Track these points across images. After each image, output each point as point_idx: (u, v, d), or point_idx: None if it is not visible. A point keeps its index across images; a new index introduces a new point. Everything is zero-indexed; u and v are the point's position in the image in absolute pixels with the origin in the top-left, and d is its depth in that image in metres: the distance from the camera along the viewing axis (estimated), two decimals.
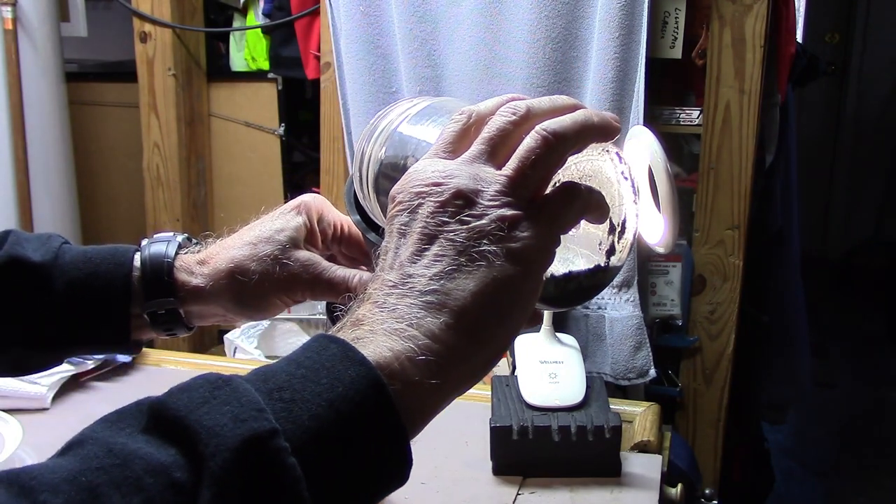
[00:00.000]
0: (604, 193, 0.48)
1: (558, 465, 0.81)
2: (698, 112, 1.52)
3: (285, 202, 0.66)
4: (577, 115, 0.46)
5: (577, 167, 0.48)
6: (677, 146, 1.59)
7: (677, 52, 1.49)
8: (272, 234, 0.62)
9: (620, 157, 0.49)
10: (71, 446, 0.35)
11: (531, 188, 0.44)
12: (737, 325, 1.55)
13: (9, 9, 1.79)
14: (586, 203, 0.46)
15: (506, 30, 1.50)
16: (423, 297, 0.40)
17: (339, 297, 0.61)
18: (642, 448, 0.87)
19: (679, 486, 0.87)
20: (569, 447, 0.80)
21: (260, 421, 0.34)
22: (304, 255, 0.62)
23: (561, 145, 0.44)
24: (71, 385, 1.03)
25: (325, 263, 0.62)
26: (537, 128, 0.44)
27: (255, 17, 1.88)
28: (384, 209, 0.49)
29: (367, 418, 0.37)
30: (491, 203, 0.42)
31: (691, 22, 1.49)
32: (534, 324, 0.48)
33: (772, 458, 2.09)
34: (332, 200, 0.67)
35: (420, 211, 0.42)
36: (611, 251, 0.50)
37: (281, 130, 1.90)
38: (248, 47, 1.90)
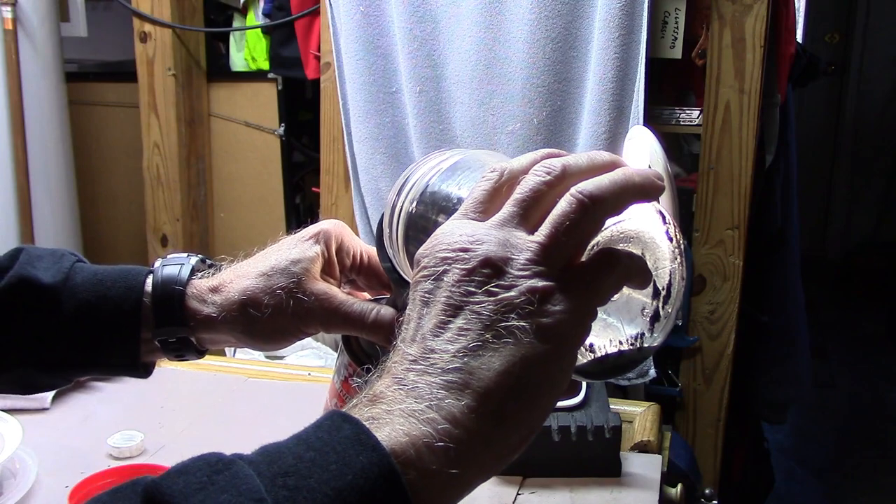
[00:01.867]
0: (647, 256, 0.44)
1: (558, 465, 0.81)
2: (698, 112, 1.52)
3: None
4: (616, 176, 0.42)
5: (618, 227, 0.44)
6: (677, 146, 1.59)
7: (677, 52, 1.49)
8: (287, 266, 0.59)
9: (664, 216, 0.44)
10: None
11: (565, 256, 0.40)
12: (737, 325, 1.55)
13: (9, 9, 1.79)
14: (627, 270, 0.42)
15: (506, 30, 1.50)
16: (444, 374, 0.37)
17: (355, 331, 0.59)
18: (642, 448, 0.87)
19: (679, 485, 0.87)
20: (569, 447, 0.80)
21: None
22: (319, 287, 0.59)
23: (599, 209, 0.40)
24: (71, 385, 1.03)
25: (341, 297, 0.59)
26: (572, 190, 0.40)
27: (255, 17, 1.88)
28: (412, 265, 0.44)
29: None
30: (521, 273, 0.39)
31: (691, 22, 1.49)
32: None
33: (772, 458, 2.09)
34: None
35: (445, 279, 0.39)
36: (655, 317, 0.45)
37: (281, 130, 1.90)
38: (248, 47, 1.90)
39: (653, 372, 1.49)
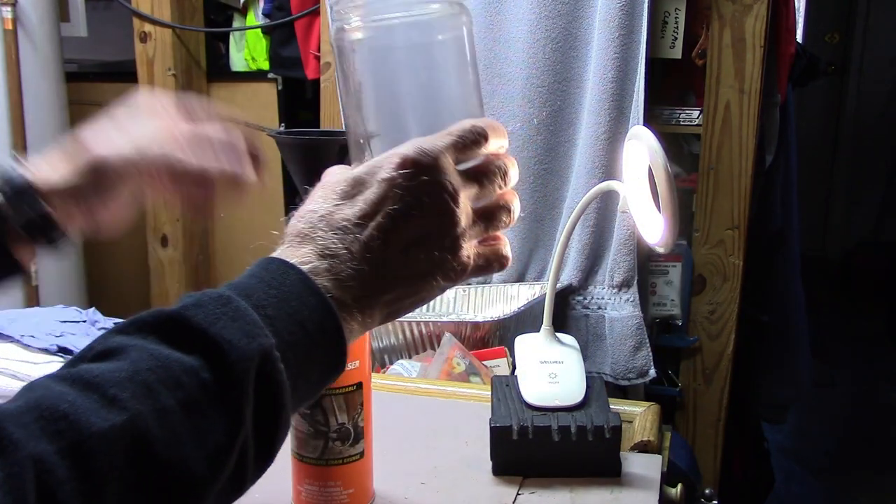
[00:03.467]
0: None
1: (558, 465, 0.81)
2: (698, 112, 1.52)
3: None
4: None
5: None
6: (677, 146, 1.59)
7: (677, 52, 1.49)
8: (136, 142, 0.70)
9: None
10: (112, 352, 0.41)
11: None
12: (737, 325, 1.55)
13: (9, 9, 1.79)
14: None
15: (506, 30, 1.50)
16: (367, 253, 0.49)
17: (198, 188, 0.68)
18: (642, 448, 0.87)
19: (679, 486, 0.87)
20: (569, 447, 0.80)
21: (264, 337, 0.44)
22: (159, 151, 0.68)
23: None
24: None
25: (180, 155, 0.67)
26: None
27: (255, 17, 1.88)
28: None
29: (324, 336, 0.47)
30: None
31: (691, 22, 1.49)
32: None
33: (772, 458, 2.09)
34: None
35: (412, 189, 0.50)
36: None
37: (281, 130, 1.90)
38: (248, 47, 1.90)
39: (653, 372, 1.49)
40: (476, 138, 0.53)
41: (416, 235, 0.50)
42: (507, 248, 0.56)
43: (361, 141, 0.56)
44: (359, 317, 0.50)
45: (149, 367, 0.40)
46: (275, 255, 0.50)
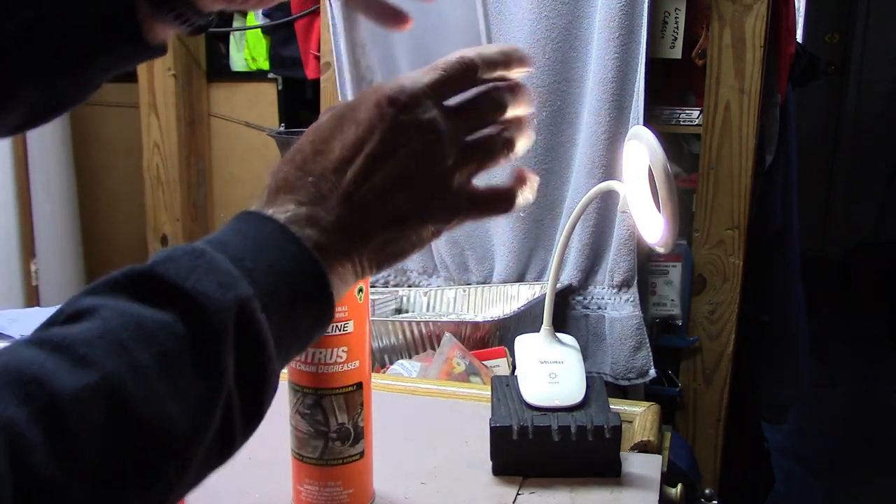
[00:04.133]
0: None
1: (558, 465, 0.81)
2: (698, 112, 1.52)
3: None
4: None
5: None
6: (677, 146, 1.59)
7: (677, 52, 1.49)
8: None
9: None
10: (83, 313, 0.40)
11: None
12: (737, 325, 1.55)
13: None
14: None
15: (506, 30, 1.50)
16: (347, 198, 0.48)
17: None
18: (642, 448, 0.87)
19: (679, 486, 0.87)
20: (569, 447, 0.80)
21: (241, 287, 0.42)
22: None
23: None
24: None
25: None
26: None
27: (255, 17, 1.88)
28: None
29: (307, 285, 0.46)
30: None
31: (691, 22, 1.49)
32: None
33: (772, 458, 2.09)
34: None
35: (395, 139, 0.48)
36: None
37: (281, 130, 1.90)
38: (248, 47, 1.90)
39: (653, 372, 1.49)
40: (463, 69, 0.51)
41: (396, 176, 0.48)
42: (514, 187, 0.53)
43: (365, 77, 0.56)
44: (347, 264, 0.48)
45: (121, 325, 0.39)
46: (252, 208, 0.48)
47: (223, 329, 0.41)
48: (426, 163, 0.49)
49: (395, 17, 0.60)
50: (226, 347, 0.41)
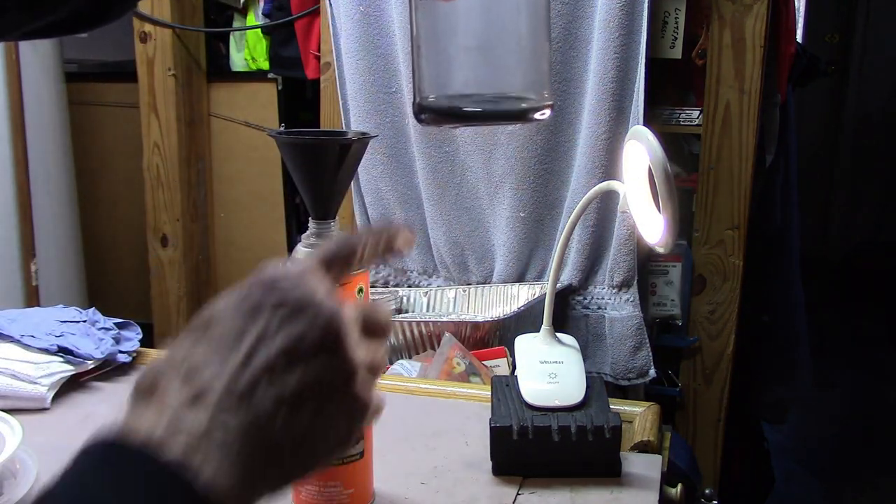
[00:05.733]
0: None
1: (558, 465, 0.81)
2: (698, 112, 1.52)
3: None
4: None
5: None
6: (677, 146, 1.59)
7: (677, 52, 1.49)
8: None
9: None
10: None
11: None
12: (737, 325, 1.55)
13: None
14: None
15: None
16: (256, 426, 0.39)
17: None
18: (642, 448, 0.87)
19: (679, 486, 0.87)
20: (569, 447, 0.80)
21: None
22: None
23: None
24: (71, 385, 1.03)
25: None
26: None
27: (255, 17, 1.88)
28: None
29: None
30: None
31: (691, 22, 1.49)
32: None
33: (772, 458, 2.09)
34: None
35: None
36: None
37: (281, 130, 1.90)
38: (248, 47, 1.90)
39: (653, 372, 1.49)
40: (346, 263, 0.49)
41: (301, 386, 0.41)
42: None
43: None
44: (246, 497, 0.39)
45: None
46: (125, 428, 0.38)
47: None
48: (332, 368, 0.43)
49: None
50: None
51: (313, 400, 0.41)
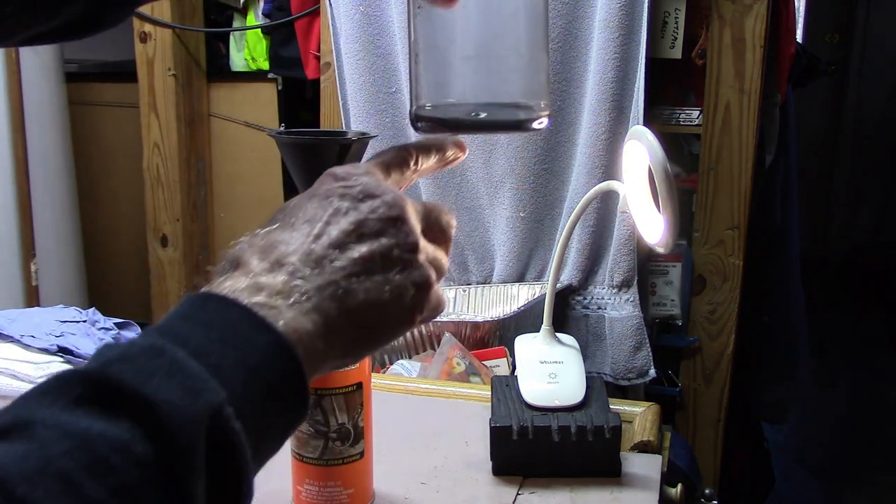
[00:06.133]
0: None
1: (558, 465, 0.81)
2: (698, 112, 1.52)
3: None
4: None
5: None
6: (677, 146, 1.59)
7: (677, 52, 1.49)
8: None
9: None
10: (10, 430, 0.32)
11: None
12: (737, 325, 1.55)
13: None
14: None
15: None
16: (330, 287, 0.44)
17: None
18: (642, 448, 0.87)
19: (679, 486, 0.87)
20: (569, 447, 0.80)
21: (211, 392, 0.36)
22: None
23: None
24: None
25: None
26: None
27: (255, 17, 1.88)
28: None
29: (284, 383, 0.40)
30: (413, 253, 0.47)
31: (691, 22, 1.49)
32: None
33: (772, 458, 2.09)
34: None
35: (362, 206, 0.46)
36: None
37: (281, 130, 1.90)
38: (248, 47, 1.90)
39: (653, 372, 1.49)
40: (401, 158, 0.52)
41: (375, 253, 0.46)
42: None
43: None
44: (322, 355, 0.43)
45: (66, 450, 0.31)
46: (208, 288, 0.42)
47: (192, 445, 0.34)
48: (397, 242, 0.47)
49: None
50: (196, 468, 0.34)
51: (381, 268, 0.45)
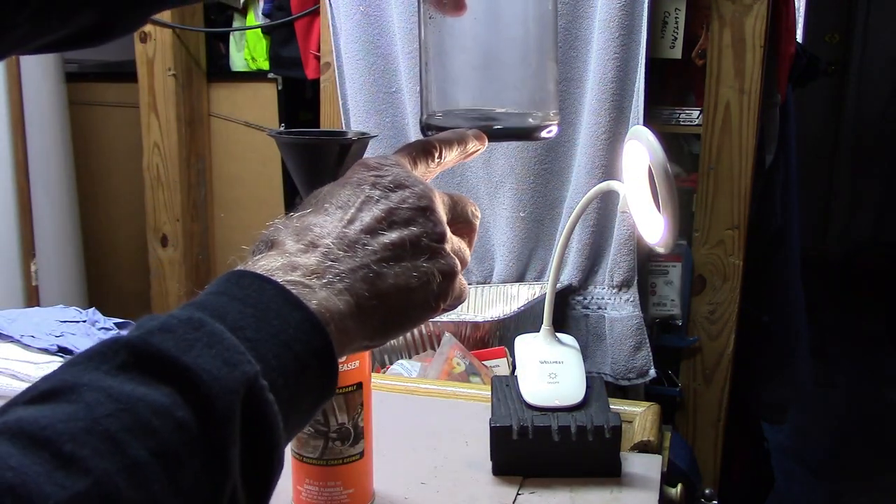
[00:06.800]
0: None
1: (558, 465, 0.81)
2: (698, 112, 1.52)
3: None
4: None
5: None
6: (677, 146, 1.59)
7: (677, 52, 1.49)
8: None
9: None
10: (57, 392, 0.33)
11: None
12: (737, 325, 1.55)
13: None
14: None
15: None
16: (362, 269, 0.46)
17: None
18: (642, 448, 0.87)
19: (679, 486, 0.87)
20: (569, 447, 0.80)
21: (247, 364, 0.37)
22: None
23: None
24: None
25: None
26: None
27: (255, 17, 1.88)
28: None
29: (315, 359, 0.42)
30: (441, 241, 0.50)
31: (691, 22, 1.49)
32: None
33: (772, 458, 2.09)
34: None
35: (393, 196, 0.49)
36: None
37: (281, 130, 1.90)
38: (248, 47, 1.90)
39: (653, 372, 1.49)
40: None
41: (406, 241, 0.48)
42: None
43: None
44: (352, 335, 0.45)
45: (111, 412, 0.33)
46: (243, 266, 0.44)
47: (229, 414, 0.36)
48: (426, 231, 0.49)
49: (455, 4, 0.58)
50: (232, 435, 0.36)
51: (410, 255, 0.48)
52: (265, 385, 0.38)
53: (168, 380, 0.35)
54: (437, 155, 0.55)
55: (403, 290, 0.47)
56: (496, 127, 0.59)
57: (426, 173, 0.55)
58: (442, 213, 0.50)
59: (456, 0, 0.58)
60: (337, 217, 0.47)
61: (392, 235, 0.47)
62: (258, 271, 0.43)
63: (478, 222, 0.56)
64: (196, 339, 0.37)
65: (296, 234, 0.46)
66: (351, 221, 0.47)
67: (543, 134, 0.59)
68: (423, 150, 0.54)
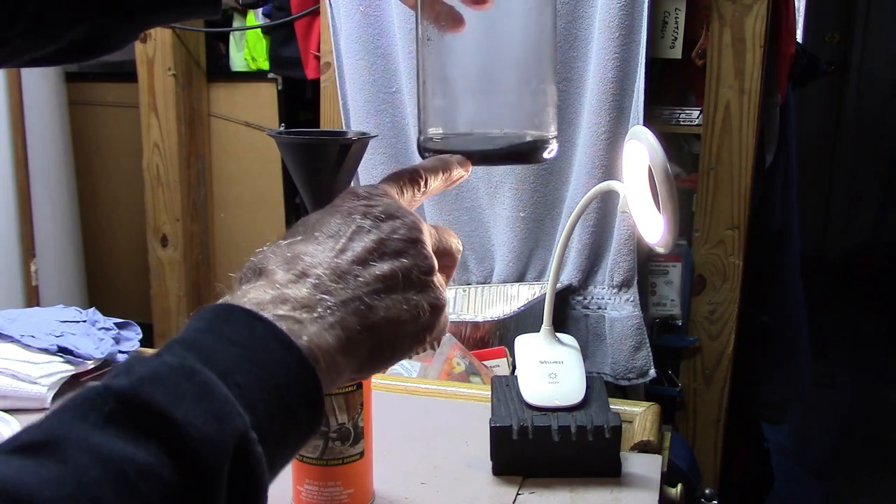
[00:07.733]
0: None
1: (558, 465, 0.81)
2: (698, 112, 1.52)
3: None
4: None
5: None
6: (677, 146, 1.59)
7: (677, 52, 1.49)
8: None
9: None
10: (44, 446, 0.32)
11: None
12: (737, 325, 1.55)
13: None
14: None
15: None
16: (353, 301, 0.45)
17: None
18: (642, 448, 0.87)
19: (679, 486, 0.87)
20: (569, 447, 0.80)
21: (237, 418, 0.37)
22: None
23: None
24: (71, 385, 1.03)
25: None
26: None
27: (255, 17, 1.88)
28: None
29: (303, 400, 0.41)
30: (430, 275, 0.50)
31: (691, 22, 1.49)
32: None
33: (772, 458, 2.09)
34: None
35: (384, 226, 0.48)
36: None
37: (281, 130, 1.89)
38: (248, 47, 1.90)
39: (653, 372, 1.49)
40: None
41: (397, 274, 0.47)
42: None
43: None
44: (339, 372, 0.44)
45: (98, 477, 0.32)
46: (231, 300, 0.43)
47: (216, 472, 0.35)
48: (416, 263, 0.49)
49: (453, 19, 0.58)
50: (218, 494, 0.35)
51: (400, 287, 0.47)
52: (254, 438, 0.37)
53: (157, 435, 0.34)
54: (423, 184, 0.55)
55: (394, 323, 0.47)
56: (496, 150, 0.59)
57: (412, 202, 0.54)
58: (429, 244, 0.50)
59: (454, 16, 0.57)
60: (328, 246, 0.47)
61: (384, 267, 0.47)
62: (248, 305, 0.42)
63: (458, 256, 0.56)
64: (187, 391, 0.36)
65: (286, 262, 0.45)
66: (342, 251, 0.46)
67: (544, 155, 0.59)
68: (409, 180, 0.54)
